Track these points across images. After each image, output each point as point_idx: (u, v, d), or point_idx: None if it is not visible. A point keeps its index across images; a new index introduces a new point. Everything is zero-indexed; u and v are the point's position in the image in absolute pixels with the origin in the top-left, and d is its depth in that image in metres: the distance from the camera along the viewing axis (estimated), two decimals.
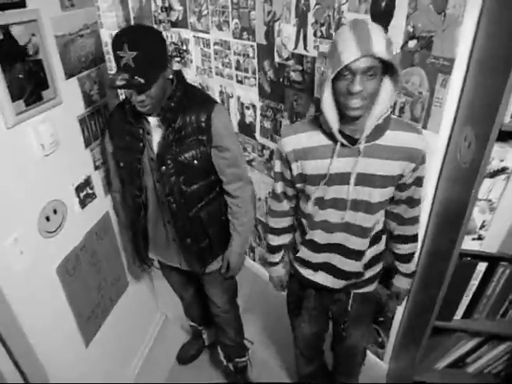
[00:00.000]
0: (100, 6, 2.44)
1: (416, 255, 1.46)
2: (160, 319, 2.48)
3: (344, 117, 1.11)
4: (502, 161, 1.11)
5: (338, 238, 1.29)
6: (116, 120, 1.45)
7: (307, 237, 1.34)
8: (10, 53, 1.17)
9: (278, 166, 1.34)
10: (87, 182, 1.61)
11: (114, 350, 1.93)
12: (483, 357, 1.59)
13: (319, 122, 1.18)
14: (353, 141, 1.13)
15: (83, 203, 1.60)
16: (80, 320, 1.62)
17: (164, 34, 2.41)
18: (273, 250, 1.53)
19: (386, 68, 1.03)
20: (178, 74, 1.39)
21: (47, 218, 1.41)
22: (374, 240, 1.33)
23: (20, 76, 1.22)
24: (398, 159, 1.15)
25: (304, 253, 1.37)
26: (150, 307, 2.36)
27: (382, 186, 1.18)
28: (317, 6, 1.63)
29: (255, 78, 2.06)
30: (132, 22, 2.44)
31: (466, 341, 1.56)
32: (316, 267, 1.38)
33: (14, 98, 1.20)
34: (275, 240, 1.50)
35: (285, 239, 1.50)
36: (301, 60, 1.80)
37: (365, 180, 1.17)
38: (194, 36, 2.29)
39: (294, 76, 1.86)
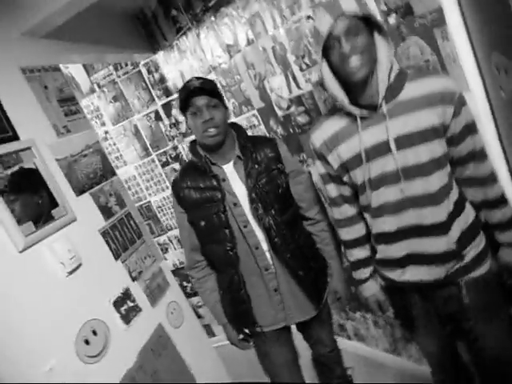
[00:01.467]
0: (119, 147, 2.64)
1: None
2: None
3: (355, 88, 1.06)
4: None
5: (408, 217, 1.10)
6: (184, 184, 1.41)
7: (375, 230, 1.17)
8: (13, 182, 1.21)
9: (319, 166, 1.26)
10: (126, 295, 1.50)
11: None
12: None
13: (337, 107, 1.15)
14: (373, 108, 1.06)
15: (127, 318, 1.46)
16: None
17: (179, 146, 2.52)
18: (356, 265, 1.31)
19: (371, 28, 1.03)
20: (235, 124, 1.48)
21: (86, 342, 1.28)
22: (455, 209, 1.10)
23: (25, 199, 1.23)
24: (430, 106, 1.02)
25: (381, 251, 1.19)
26: None
27: (427, 140, 1.04)
28: (291, 43, 1.62)
29: None
30: (150, 149, 2.60)
31: None
32: (402, 263, 1.16)
33: (22, 221, 1.19)
34: (354, 254, 1.30)
35: (366, 250, 1.29)
36: (300, 101, 1.74)
37: (405, 141, 1.05)
38: None
39: (301, 119, 1.78)
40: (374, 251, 1.26)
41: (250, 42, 1.79)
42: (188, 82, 1.31)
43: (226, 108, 1.36)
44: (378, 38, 1.04)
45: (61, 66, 1.65)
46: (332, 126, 1.16)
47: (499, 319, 1.20)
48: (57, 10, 1.36)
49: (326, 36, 0.99)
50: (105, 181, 1.60)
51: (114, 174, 1.68)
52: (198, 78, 1.32)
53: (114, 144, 2.66)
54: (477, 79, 1.19)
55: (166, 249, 2.81)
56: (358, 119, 1.08)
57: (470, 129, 1.05)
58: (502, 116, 1.19)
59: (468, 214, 1.14)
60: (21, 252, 1.17)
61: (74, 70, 2.52)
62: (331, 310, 1.62)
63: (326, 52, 1.03)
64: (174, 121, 2.49)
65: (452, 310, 1.22)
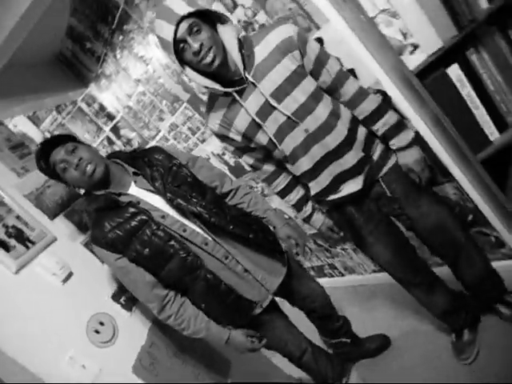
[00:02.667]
0: None
1: (404, 123, 1.34)
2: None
3: (219, 73, 1.20)
4: None
5: (317, 150, 1.29)
6: (105, 230, 1.31)
7: (299, 172, 1.35)
8: None
9: (228, 146, 1.41)
10: (121, 289, 1.69)
11: None
12: None
13: (214, 94, 1.29)
14: (242, 80, 1.22)
15: (128, 306, 1.66)
16: None
17: None
18: (298, 207, 1.49)
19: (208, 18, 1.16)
20: (113, 153, 1.48)
21: (97, 331, 1.49)
22: (351, 128, 1.30)
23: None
24: (282, 57, 1.21)
25: (313, 187, 1.37)
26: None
27: (295, 84, 1.22)
28: None
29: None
30: None
31: None
32: (332, 187, 1.36)
33: (10, 249, 1.41)
34: (291, 198, 1.48)
35: (298, 191, 1.47)
36: None
37: (280, 93, 1.22)
38: None
39: None
40: (307, 189, 1.43)
41: (157, 46, 2.01)
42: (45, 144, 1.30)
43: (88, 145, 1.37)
44: (219, 26, 1.18)
45: (6, 122, 1.87)
46: (219, 108, 1.30)
47: (424, 194, 1.41)
48: None
49: (173, 41, 1.09)
50: (73, 202, 1.82)
51: (79, 195, 1.89)
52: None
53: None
54: (331, 10, 1.42)
55: None
56: (236, 96, 1.23)
57: (321, 60, 1.24)
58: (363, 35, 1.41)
59: (363, 128, 1.33)
60: (16, 273, 1.39)
61: (23, 126, 2.73)
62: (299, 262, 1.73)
63: (181, 56, 1.14)
64: (125, 140, 2.71)
65: (385, 209, 1.44)
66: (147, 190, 1.35)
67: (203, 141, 2.31)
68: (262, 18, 1.56)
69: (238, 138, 1.34)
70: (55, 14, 1.99)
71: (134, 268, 1.32)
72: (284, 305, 1.69)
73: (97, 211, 1.35)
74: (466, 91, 1.20)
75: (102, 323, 1.52)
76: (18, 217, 1.52)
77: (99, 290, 1.62)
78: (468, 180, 1.46)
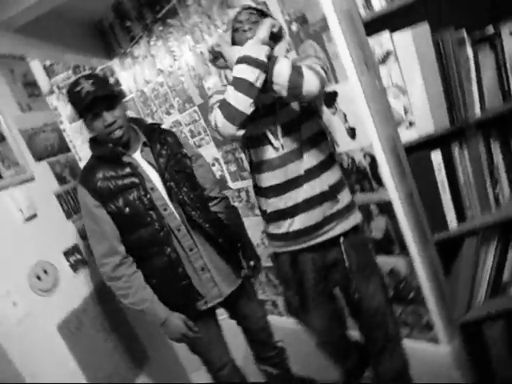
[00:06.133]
0: (75, 144, 2.88)
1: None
2: None
3: None
4: (381, 46, 1.26)
5: (287, 171, 1.35)
6: (97, 176, 1.40)
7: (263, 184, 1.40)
8: None
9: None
10: (76, 249, 1.73)
11: None
12: None
13: None
14: None
15: (75, 267, 1.69)
16: None
17: None
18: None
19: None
20: (133, 118, 1.58)
21: (38, 278, 1.50)
22: (324, 161, 1.38)
23: None
24: None
25: (270, 204, 1.40)
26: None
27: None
28: None
29: (208, 135, 2.34)
30: None
31: (483, 253, 1.46)
32: (290, 213, 1.38)
33: None
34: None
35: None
36: None
37: None
38: None
39: None
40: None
41: (190, 48, 2.15)
42: (78, 84, 1.29)
43: (121, 102, 1.40)
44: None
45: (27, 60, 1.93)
46: None
47: (373, 277, 1.49)
48: (30, 6, 1.66)
49: (233, 19, 1.30)
50: (61, 154, 1.86)
51: (69, 150, 1.94)
52: (87, 78, 1.32)
53: (71, 141, 2.89)
54: (353, 72, 1.59)
55: None
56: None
57: None
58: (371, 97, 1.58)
59: (336, 171, 1.43)
60: None
61: (36, 72, 2.78)
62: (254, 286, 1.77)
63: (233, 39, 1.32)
64: None
65: (337, 274, 1.47)
66: (149, 162, 1.46)
67: (199, 146, 2.41)
68: (291, 56, 1.72)
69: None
70: None
71: (108, 220, 1.39)
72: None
73: (97, 158, 1.43)
74: (441, 177, 1.36)
75: (45, 271, 1.54)
76: (6, 147, 1.56)
77: (54, 242, 1.64)
78: (420, 256, 1.60)
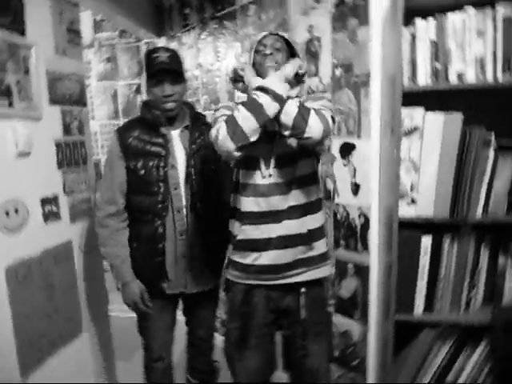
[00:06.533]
0: (94, 102, 2.89)
1: None
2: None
3: None
4: (412, 120, 1.28)
5: (262, 202, 1.32)
6: (132, 133, 1.53)
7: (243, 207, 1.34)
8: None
9: None
10: (53, 200, 1.70)
11: None
12: (465, 368, 1.44)
13: None
14: None
15: (46, 218, 1.66)
16: (20, 340, 1.50)
17: None
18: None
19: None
20: (187, 102, 1.68)
21: (7, 214, 1.47)
22: (309, 204, 1.34)
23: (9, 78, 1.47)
24: None
25: (242, 231, 1.34)
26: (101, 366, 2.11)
27: None
28: None
29: None
30: (120, 113, 2.86)
31: (437, 347, 1.44)
32: (261, 246, 1.32)
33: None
34: None
35: None
36: None
37: None
38: None
39: None
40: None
41: (236, 55, 2.18)
42: (156, 52, 1.47)
43: (185, 82, 1.55)
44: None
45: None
46: None
47: (325, 335, 1.47)
48: None
49: (257, 41, 1.31)
50: (76, 106, 1.86)
51: (85, 105, 1.94)
52: (166, 50, 1.50)
53: (91, 97, 2.90)
54: (377, 132, 1.61)
55: None
56: None
57: None
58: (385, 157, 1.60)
59: (320, 218, 1.39)
60: None
61: (83, 24, 2.81)
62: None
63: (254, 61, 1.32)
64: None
65: (287, 320, 1.41)
66: (182, 144, 1.55)
67: None
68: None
69: None
70: None
71: (122, 174, 1.53)
72: None
73: (140, 119, 1.58)
74: (424, 261, 1.36)
75: (16, 211, 1.52)
76: (27, 79, 1.56)
77: (36, 186, 1.62)
78: (376, 329, 1.59)
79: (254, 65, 1.32)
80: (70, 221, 1.82)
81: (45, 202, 1.66)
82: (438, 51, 1.28)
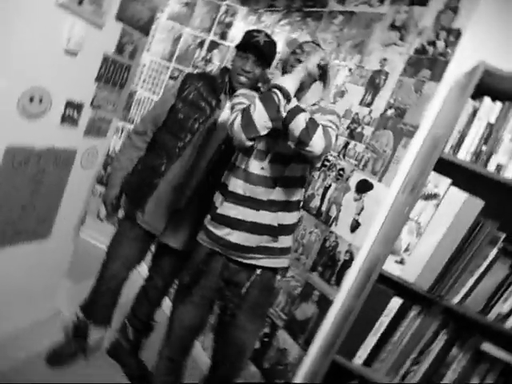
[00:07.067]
0: (155, 36, 2.89)
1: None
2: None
3: None
4: (436, 187, 1.28)
5: (246, 188, 1.42)
6: (195, 82, 1.68)
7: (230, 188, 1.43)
8: None
9: None
10: (78, 107, 1.72)
11: None
12: None
13: None
14: None
15: (64, 120, 1.68)
16: None
17: None
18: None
19: None
20: (259, 89, 1.71)
21: (31, 99, 1.49)
22: (283, 203, 1.44)
23: None
24: None
25: (224, 207, 1.42)
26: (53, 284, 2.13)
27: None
28: None
29: None
30: (174, 58, 2.86)
31: None
32: (233, 225, 1.41)
33: None
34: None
35: None
36: None
37: None
38: None
39: None
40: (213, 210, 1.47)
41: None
42: (259, 33, 1.58)
43: (265, 69, 1.63)
44: None
45: None
46: None
47: (260, 320, 1.57)
48: None
49: (298, 44, 1.44)
50: (138, 32, 1.87)
51: (147, 34, 1.95)
52: (266, 36, 1.59)
53: (154, 30, 2.90)
54: (398, 185, 1.60)
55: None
56: None
57: None
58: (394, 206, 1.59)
59: (294, 218, 1.49)
60: (56, 6, 1.41)
61: None
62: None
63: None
64: (208, 57, 2.80)
65: (231, 293, 1.50)
66: (227, 116, 1.51)
67: None
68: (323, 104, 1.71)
69: None
70: None
71: (166, 108, 1.70)
72: None
73: (210, 77, 1.73)
74: (383, 320, 1.36)
75: (41, 100, 1.53)
76: None
77: (68, 87, 1.64)
78: (312, 360, 1.59)
79: (285, 63, 1.43)
80: (84, 133, 1.83)
81: (69, 105, 1.67)
82: (491, 136, 1.27)
